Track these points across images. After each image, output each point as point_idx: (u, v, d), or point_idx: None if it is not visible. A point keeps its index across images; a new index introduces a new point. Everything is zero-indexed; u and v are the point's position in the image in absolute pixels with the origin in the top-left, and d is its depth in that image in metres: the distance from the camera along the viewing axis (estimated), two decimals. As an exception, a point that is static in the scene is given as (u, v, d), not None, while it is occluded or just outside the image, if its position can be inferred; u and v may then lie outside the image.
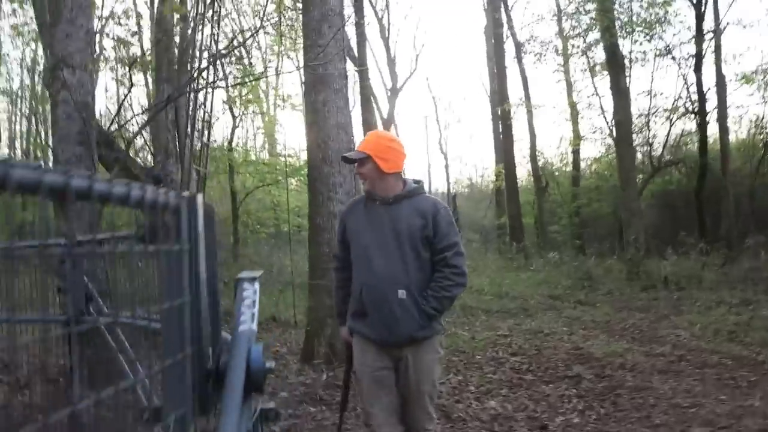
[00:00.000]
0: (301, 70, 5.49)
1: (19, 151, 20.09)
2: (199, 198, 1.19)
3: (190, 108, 4.82)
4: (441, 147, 34.41)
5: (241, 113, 19.41)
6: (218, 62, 6.02)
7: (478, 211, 28.31)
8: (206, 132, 5.32)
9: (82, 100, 4.42)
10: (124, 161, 7.70)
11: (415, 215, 2.50)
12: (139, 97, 17.11)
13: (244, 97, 15.26)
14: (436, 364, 2.61)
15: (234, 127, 19.48)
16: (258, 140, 25.17)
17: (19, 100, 19.68)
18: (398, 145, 2.58)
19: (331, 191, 5.24)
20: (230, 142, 19.37)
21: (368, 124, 15.49)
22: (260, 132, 23.79)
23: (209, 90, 4.88)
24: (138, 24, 10.27)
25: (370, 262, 2.51)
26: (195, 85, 4.67)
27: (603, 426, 3.88)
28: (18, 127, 20.71)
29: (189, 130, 4.71)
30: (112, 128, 5.19)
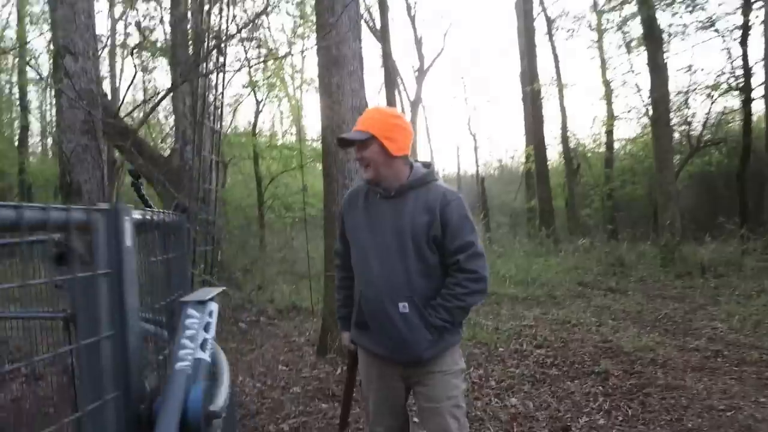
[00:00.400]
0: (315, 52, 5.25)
1: (50, 141, 20.42)
2: (125, 210, 1.00)
3: (199, 93, 4.69)
4: (470, 128, 34.02)
5: (264, 97, 19.34)
6: (230, 44, 5.85)
7: (508, 194, 27.95)
8: (218, 117, 5.15)
9: (85, 88, 4.31)
10: (129, 149, 7.65)
11: (420, 210, 2.09)
12: (164, 83, 17.14)
13: (266, 81, 15.11)
14: (457, 378, 2.21)
15: (258, 112, 19.45)
16: (284, 124, 25.15)
17: (48, 89, 19.96)
18: (405, 123, 2.17)
19: (346, 179, 5.05)
20: (254, 127, 19.32)
21: (393, 107, 15.20)
22: (286, 116, 23.76)
23: (220, 74, 4.72)
24: (160, 6, 10.18)
25: (369, 269, 2.15)
26: (204, 69, 4.52)
27: (630, 428, 3.64)
28: (48, 116, 21.06)
29: (200, 115, 4.57)
30: (124, 114, 5.06)
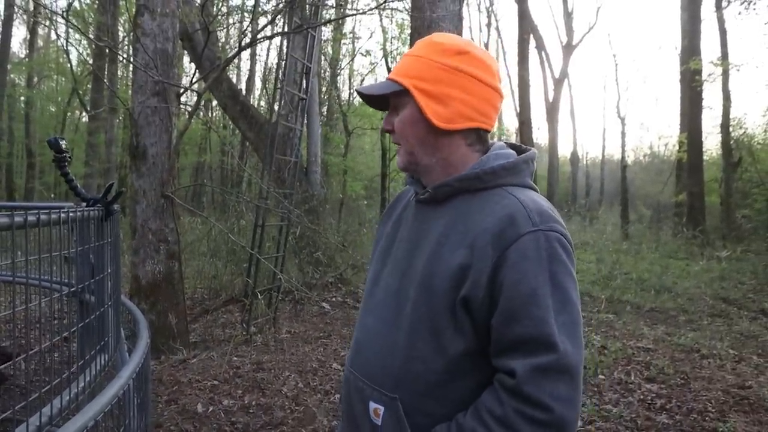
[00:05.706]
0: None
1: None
2: None
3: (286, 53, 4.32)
4: (618, 111, 31.33)
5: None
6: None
7: (655, 185, 25.93)
8: (304, 81, 4.80)
9: (161, 47, 4.11)
10: (248, 112, 7.57)
11: (457, 239, 1.09)
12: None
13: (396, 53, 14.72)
14: None
15: (390, 83, 19.11)
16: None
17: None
18: (475, 63, 1.13)
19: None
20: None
21: (524, 83, 14.07)
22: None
23: (304, 36, 4.33)
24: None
25: (360, 324, 1.29)
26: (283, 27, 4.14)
27: None
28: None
29: (281, 81, 4.24)
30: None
